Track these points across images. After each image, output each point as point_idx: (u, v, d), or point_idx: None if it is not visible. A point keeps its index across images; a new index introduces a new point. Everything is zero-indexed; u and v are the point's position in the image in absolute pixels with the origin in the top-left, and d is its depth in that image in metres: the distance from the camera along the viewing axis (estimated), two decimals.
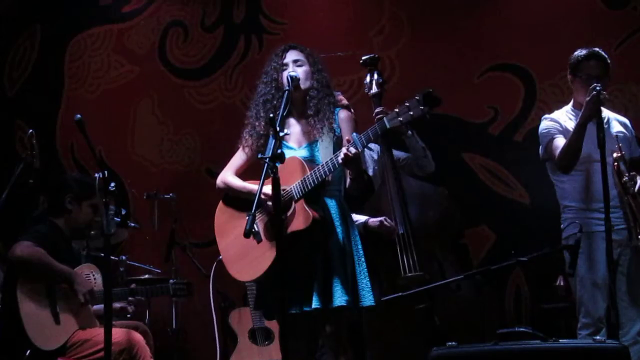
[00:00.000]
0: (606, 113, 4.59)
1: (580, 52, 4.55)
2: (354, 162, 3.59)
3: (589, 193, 4.49)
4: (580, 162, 4.46)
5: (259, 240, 3.58)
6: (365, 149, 4.37)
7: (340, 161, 3.57)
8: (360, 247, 3.80)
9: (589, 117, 4.30)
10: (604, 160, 4.06)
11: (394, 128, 3.52)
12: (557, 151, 4.51)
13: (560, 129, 4.58)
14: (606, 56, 4.54)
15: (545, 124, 4.67)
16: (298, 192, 3.68)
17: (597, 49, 4.55)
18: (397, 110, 3.47)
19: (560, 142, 4.53)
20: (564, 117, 4.64)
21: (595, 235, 4.37)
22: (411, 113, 3.42)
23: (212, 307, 5.71)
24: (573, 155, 4.45)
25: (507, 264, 3.73)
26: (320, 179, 3.65)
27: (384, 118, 3.51)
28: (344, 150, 3.55)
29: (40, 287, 4.40)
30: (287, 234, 3.62)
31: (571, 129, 4.47)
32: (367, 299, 3.71)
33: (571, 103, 4.68)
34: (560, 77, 5.63)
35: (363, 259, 3.77)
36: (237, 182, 3.93)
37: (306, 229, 3.64)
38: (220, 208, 4.01)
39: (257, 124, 3.90)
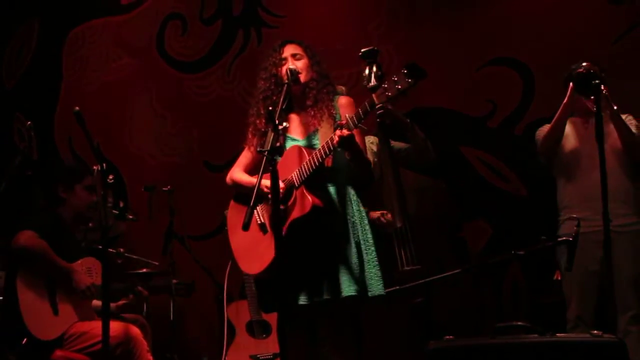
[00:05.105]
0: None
1: (572, 67, 4.73)
2: (348, 143, 3.56)
3: (586, 194, 4.57)
4: (576, 161, 4.61)
5: (265, 232, 3.56)
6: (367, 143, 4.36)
7: (334, 143, 3.55)
8: (370, 235, 3.75)
9: (569, 104, 4.59)
10: (602, 153, 4.07)
11: (385, 108, 3.47)
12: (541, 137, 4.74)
13: None
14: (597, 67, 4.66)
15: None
16: (297, 179, 3.67)
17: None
18: (385, 85, 3.43)
19: (545, 128, 4.74)
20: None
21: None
22: (398, 86, 3.37)
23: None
24: (553, 138, 4.67)
25: (504, 258, 3.73)
26: (317, 164, 3.61)
27: (373, 94, 3.48)
28: (337, 131, 3.53)
29: (40, 278, 4.41)
30: (290, 223, 3.60)
31: (568, 134, 4.68)
32: (377, 288, 3.65)
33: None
34: (559, 71, 5.63)
35: (373, 248, 3.72)
36: (244, 177, 3.93)
37: (305, 215, 3.60)
38: (232, 206, 4.01)
39: (258, 121, 3.88)
